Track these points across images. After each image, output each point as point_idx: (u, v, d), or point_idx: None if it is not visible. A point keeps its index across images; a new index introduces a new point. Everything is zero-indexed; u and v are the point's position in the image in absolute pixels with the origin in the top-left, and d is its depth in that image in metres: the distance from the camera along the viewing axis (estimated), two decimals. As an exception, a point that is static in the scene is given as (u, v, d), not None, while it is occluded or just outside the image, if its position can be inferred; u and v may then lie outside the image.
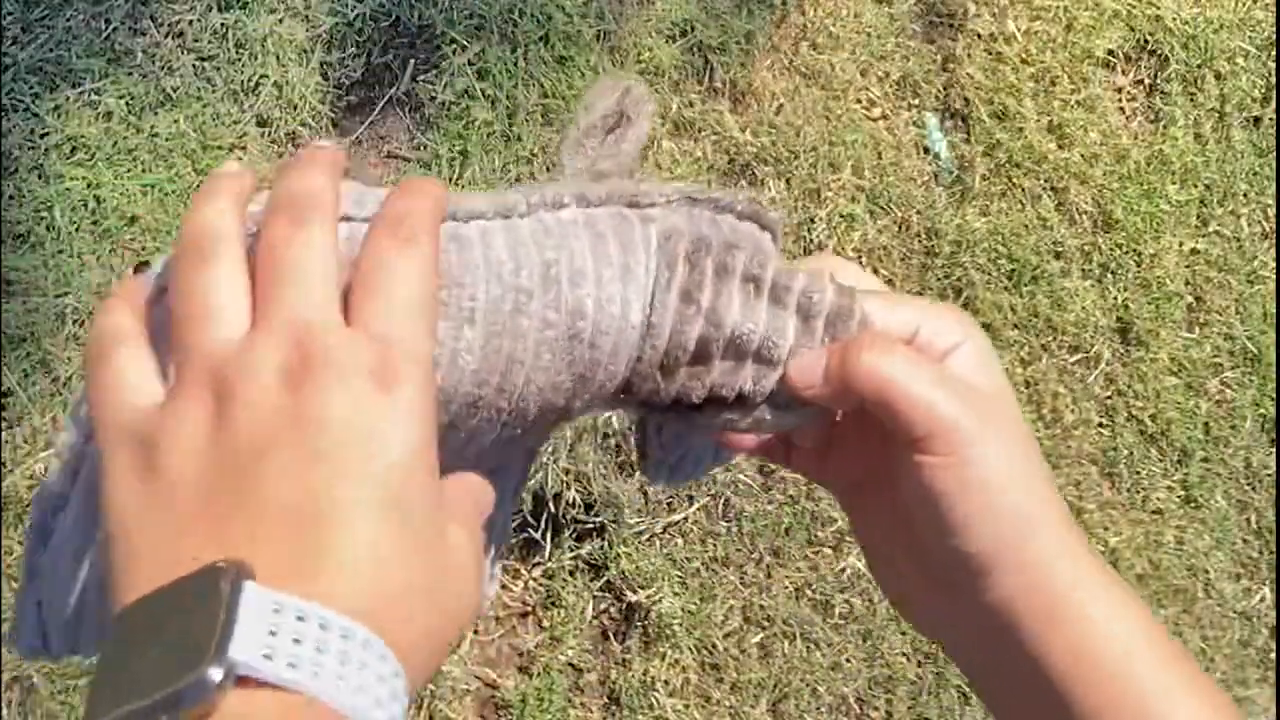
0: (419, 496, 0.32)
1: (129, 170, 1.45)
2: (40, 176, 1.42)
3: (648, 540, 1.52)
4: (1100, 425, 1.78)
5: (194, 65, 1.49)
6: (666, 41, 1.65)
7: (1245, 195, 1.91)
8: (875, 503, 0.44)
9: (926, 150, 1.77)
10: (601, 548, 1.50)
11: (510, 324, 0.35)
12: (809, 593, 1.58)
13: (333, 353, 0.31)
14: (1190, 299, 1.86)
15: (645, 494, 1.52)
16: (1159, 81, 1.89)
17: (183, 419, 0.31)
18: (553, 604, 1.49)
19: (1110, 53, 1.87)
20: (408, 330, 0.33)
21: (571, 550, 1.49)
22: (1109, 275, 1.81)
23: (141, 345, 0.35)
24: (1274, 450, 1.87)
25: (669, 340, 0.38)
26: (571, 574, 1.49)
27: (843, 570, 1.64)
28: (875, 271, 1.70)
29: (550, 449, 1.48)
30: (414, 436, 0.32)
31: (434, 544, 0.32)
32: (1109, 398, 1.79)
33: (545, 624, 1.49)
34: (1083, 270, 1.80)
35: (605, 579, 1.50)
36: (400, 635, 0.30)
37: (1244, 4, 1.94)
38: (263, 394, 0.31)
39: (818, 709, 1.54)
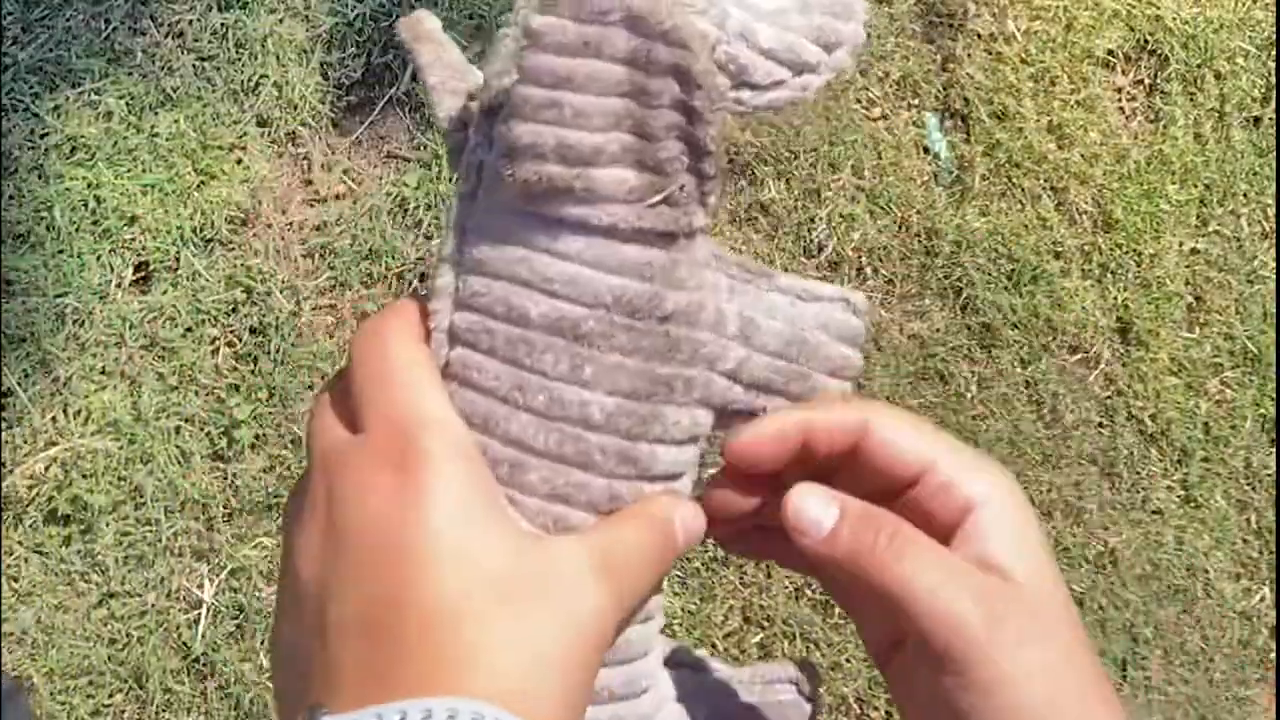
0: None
1: (129, 170, 1.45)
2: (40, 176, 1.42)
3: (648, 540, 1.52)
4: (1100, 425, 1.78)
5: (194, 65, 1.49)
6: (666, 41, 1.65)
7: (1245, 195, 1.91)
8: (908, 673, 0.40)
9: (926, 150, 1.77)
10: (601, 548, 1.50)
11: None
12: (809, 593, 1.58)
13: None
14: (1190, 299, 1.86)
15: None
16: (1159, 81, 1.89)
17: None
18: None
19: (1110, 53, 1.87)
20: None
21: (571, 550, 1.49)
22: (1109, 275, 1.81)
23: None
24: (1274, 450, 1.87)
25: None
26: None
27: (843, 570, 1.64)
28: (875, 271, 1.70)
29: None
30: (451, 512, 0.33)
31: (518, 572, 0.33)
32: (1109, 398, 1.79)
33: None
34: (1083, 270, 1.80)
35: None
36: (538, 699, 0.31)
37: (1244, 4, 1.94)
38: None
39: (818, 709, 1.54)
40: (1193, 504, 1.82)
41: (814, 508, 0.37)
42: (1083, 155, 1.81)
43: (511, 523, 0.35)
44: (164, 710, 1.38)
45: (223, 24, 1.50)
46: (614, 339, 0.36)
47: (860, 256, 1.70)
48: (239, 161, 1.49)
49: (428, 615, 0.32)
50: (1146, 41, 1.89)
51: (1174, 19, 1.88)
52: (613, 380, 0.36)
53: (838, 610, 1.58)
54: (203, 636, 1.39)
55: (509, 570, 0.33)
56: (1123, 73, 1.89)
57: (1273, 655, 1.82)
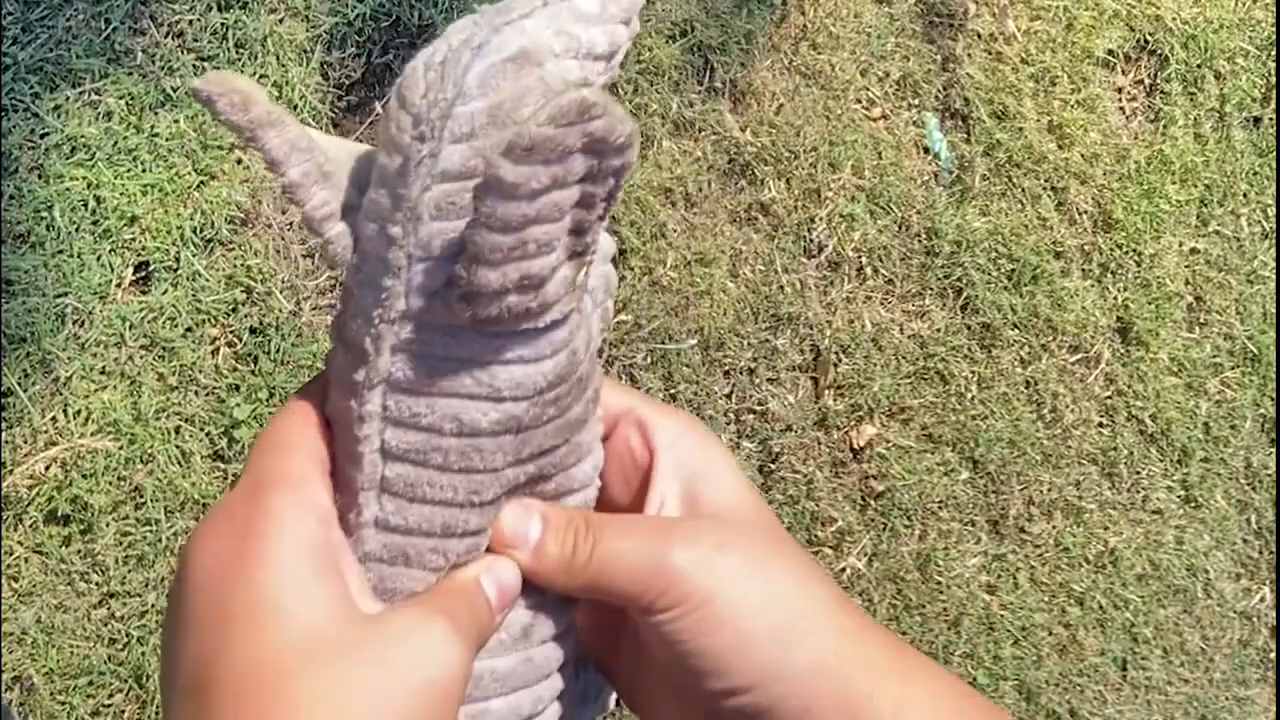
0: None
1: (129, 170, 1.45)
2: (40, 176, 1.42)
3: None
4: (1100, 425, 1.78)
5: (194, 65, 1.49)
6: (666, 41, 1.65)
7: (1245, 195, 1.91)
8: (637, 667, 0.42)
9: (926, 150, 1.77)
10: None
11: None
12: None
13: None
14: (1190, 299, 1.86)
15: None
16: (1159, 81, 1.89)
17: None
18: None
19: (1110, 53, 1.87)
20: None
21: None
22: (1109, 275, 1.81)
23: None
24: (1274, 450, 1.87)
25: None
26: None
27: (843, 570, 1.64)
28: (875, 271, 1.70)
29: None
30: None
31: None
32: (1109, 398, 1.79)
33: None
34: (1083, 270, 1.80)
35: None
36: None
37: (1244, 4, 1.94)
38: None
39: (818, 709, 1.54)
40: (1193, 504, 1.82)
41: (517, 522, 0.38)
42: (1083, 155, 1.81)
43: (343, 587, 0.34)
44: (164, 710, 1.38)
45: (223, 24, 1.50)
46: (546, 412, 0.37)
47: (860, 256, 1.70)
48: (239, 161, 1.49)
49: (246, 675, 0.31)
50: (1146, 41, 1.89)
51: (1174, 19, 1.88)
52: (540, 443, 0.38)
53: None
54: (203, 636, 1.39)
55: (332, 629, 0.33)
56: (1123, 73, 1.89)
57: (1273, 655, 1.82)
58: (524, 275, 0.34)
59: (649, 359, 1.60)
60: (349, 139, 1.64)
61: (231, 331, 1.47)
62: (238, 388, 1.45)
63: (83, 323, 1.42)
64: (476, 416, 0.36)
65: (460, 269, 0.34)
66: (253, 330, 1.47)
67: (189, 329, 1.45)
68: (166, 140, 1.47)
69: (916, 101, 1.77)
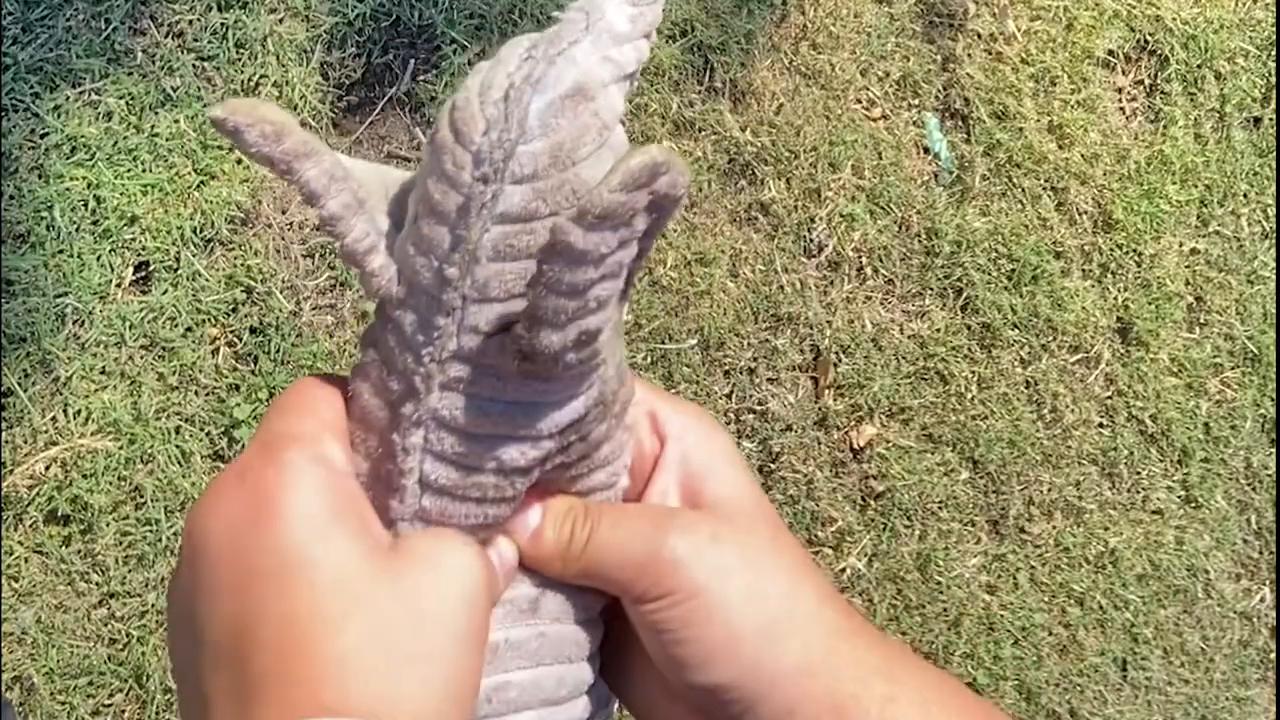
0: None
1: (129, 170, 1.45)
2: (40, 176, 1.42)
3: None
4: (1100, 425, 1.78)
5: (194, 65, 1.49)
6: (666, 41, 1.65)
7: (1245, 195, 1.91)
8: (624, 658, 0.42)
9: (926, 150, 1.77)
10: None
11: None
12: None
13: None
14: (1190, 299, 1.86)
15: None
16: (1159, 81, 1.89)
17: None
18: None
19: (1110, 53, 1.87)
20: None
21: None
22: (1109, 275, 1.81)
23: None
24: (1274, 450, 1.87)
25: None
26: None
27: (843, 570, 1.64)
28: (875, 271, 1.70)
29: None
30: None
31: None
32: (1109, 398, 1.79)
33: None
34: (1083, 270, 1.80)
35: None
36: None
37: (1244, 4, 1.94)
38: None
39: (818, 709, 1.54)
40: (1193, 504, 1.82)
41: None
42: (1083, 155, 1.81)
43: (365, 529, 0.34)
44: (164, 710, 1.38)
45: (223, 24, 1.50)
46: (570, 442, 0.38)
47: (860, 256, 1.70)
48: (239, 161, 1.49)
49: (279, 635, 0.31)
50: (1146, 41, 1.89)
51: (1174, 19, 1.88)
52: (559, 460, 0.38)
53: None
54: (203, 636, 1.39)
55: (362, 572, 0.33)
56: (1123, 73, 1.89)
57: (1273, 655, 1.82)
58: (583, 332, 0.34)
59: (649, 359, 1.60)
60: (350, 138, 1.63)
61: (231, 331, 1.47)
62: (238, 388, 1.45)
63: (83, 323, 1.42)
64: (515, 456, 0.37)
65: (521, 329, 0.34)
66: (253, 330, 1.47)
67: (189, 329, 1.45)
68: (166, 140, 1.47)
69: (916, 101, 1.77)
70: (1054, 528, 1.74)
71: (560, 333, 0.33)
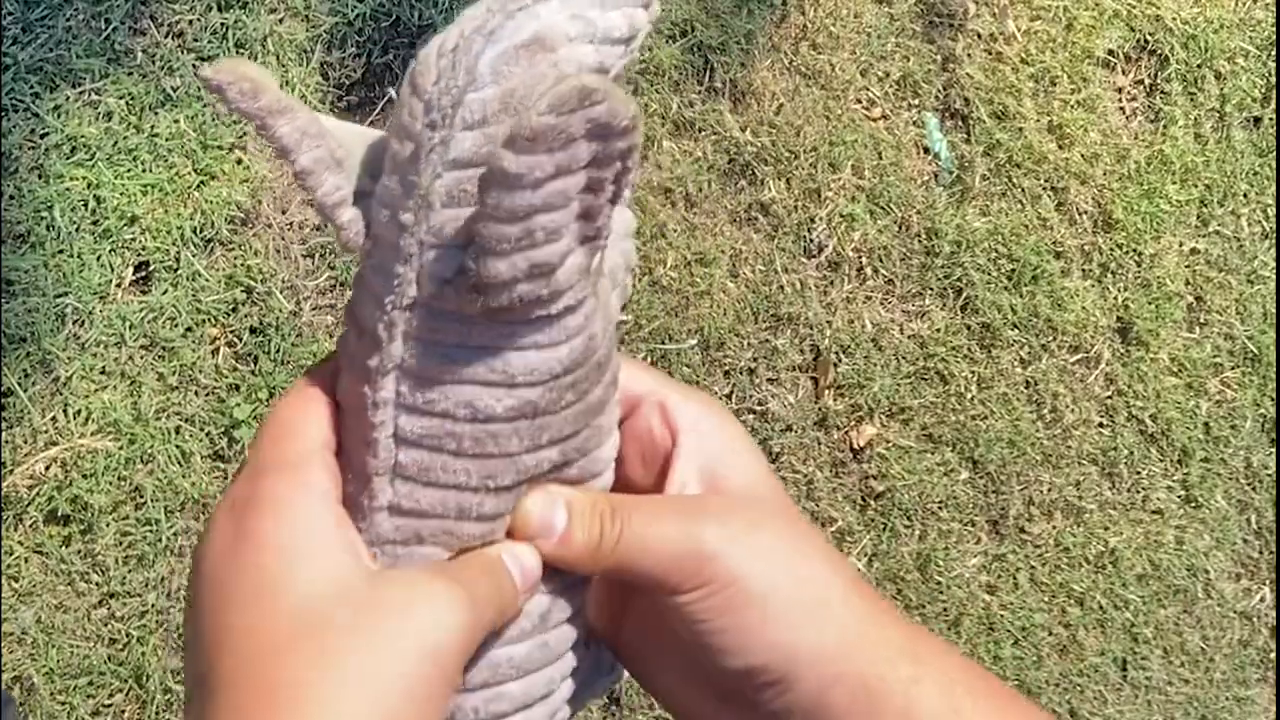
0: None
1: (129, 170, 1.45)
2: (40, 176, 1.42)
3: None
4: (1100, 425, 1.78)
5: (194, 65, 1.49)
6: (666, 41, 1.65)
7: (1245, 195, 1.91)
8: (645, 644, 0.42)
9: (926, 150, 1.77)
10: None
11: None
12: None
13: None
14: (1190, 299, 1.86)
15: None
16: (1159, 81, 1.89)
17: None
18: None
19: (1110, 53, 1.87)
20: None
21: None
22: (1109, 275, 1.81)
23: None
24: (1274, 450, 1.87)
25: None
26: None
27: (843, 570, 1.63)
28: (875, 272, 1.70)
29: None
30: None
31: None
32: (1109, 398, 1.79)
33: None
34: (1083, 270, 1.80)
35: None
36: None
37: (1244, 4, 1.94)
38: None
39: (818, 709, 1.54)
40: (1193, 504, 1.82)
41: (544, 510, 0.38)
42: (1083, 155, 1.81)
43: (344, 557, 0.34)
44: (164, 710, 1.38)
45: (223, 24, 1.50)
46: (564, 398, 0.37)
47: (860, 256, 1.70)
48: (239, 161, 1.49)
49: (243, 656, 0.31)
50: (1146, 41, 1.89)
51: (1174, 19, 1.88)
52: (560, 429, 0.38)
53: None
54: (203, 636, 1.39)
55: (329, 600, 0.32)
56: (1123, 73, 1.89)
57: (1273, 655, 1.82)
58: (533, 264, 0.34)
59: (649, 359, 1.60)
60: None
61: (231, 331, 1.47)
62: (238, 388, 1.45)
63: (83, 323, 1.42)
64: (490, 403, 0.36)
65: (469, 260, 0.34)
66: (253, 330, 1.47)
67: (189, 329, 1.45)
68: (166, 140, 1.47)
69: (916, 101, 1.77)
70: (1054, 528, 1.74)
71: (505, 261, 0.33)
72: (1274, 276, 1.90)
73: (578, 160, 0.33)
